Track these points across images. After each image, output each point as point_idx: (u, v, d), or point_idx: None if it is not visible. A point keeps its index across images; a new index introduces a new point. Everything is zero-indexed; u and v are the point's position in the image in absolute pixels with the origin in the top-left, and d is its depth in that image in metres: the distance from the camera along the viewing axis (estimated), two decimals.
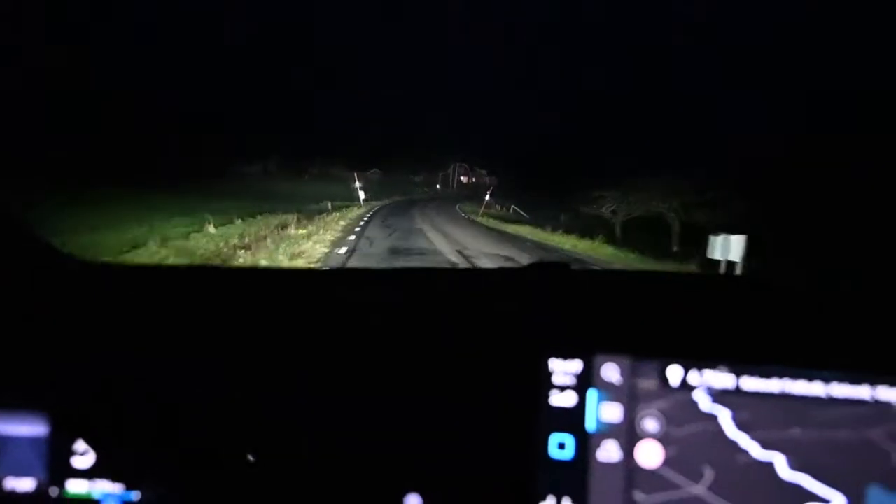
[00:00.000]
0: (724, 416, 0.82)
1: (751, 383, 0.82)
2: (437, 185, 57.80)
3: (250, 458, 0.85)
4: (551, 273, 1.01)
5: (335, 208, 20.07)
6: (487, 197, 35.56)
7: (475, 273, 1.04)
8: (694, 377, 0.83)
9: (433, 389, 0.86)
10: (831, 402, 0.81)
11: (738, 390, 0.82)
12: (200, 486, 0.86)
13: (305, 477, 0.85)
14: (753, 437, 0.81)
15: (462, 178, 65.79)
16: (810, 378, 0.81)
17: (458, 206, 32.32)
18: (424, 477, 0.84)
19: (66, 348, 0.89)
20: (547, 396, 0.85)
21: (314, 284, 1.03)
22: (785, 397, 0.81)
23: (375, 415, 0.85)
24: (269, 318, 0.92)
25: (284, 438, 0.86)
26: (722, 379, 0.83)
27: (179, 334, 0.91)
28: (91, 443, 0.87)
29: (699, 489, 0.81)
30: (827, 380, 0.81)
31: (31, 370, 0.88)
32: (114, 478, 0.87)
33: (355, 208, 22.21)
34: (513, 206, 29.36)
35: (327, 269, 1.87)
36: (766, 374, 0.82)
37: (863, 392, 0.80)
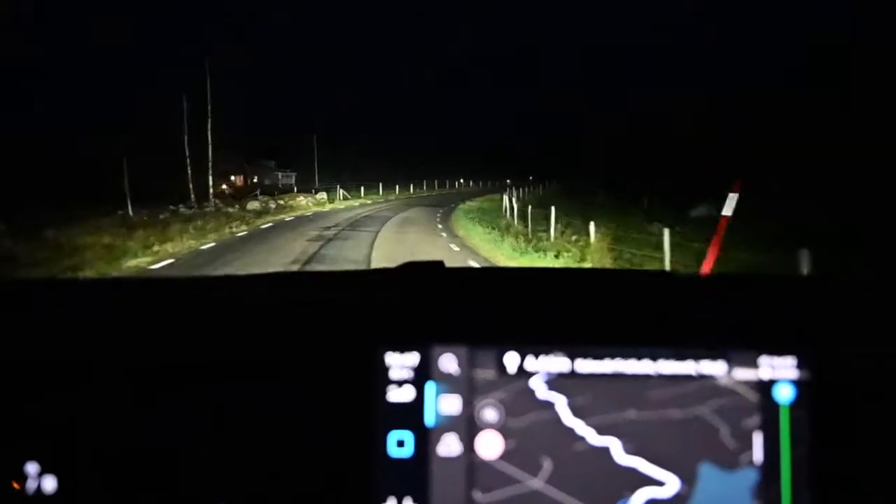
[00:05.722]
0: (561, 403, 0.80)
1: (586, 365, 0.81)
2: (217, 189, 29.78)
3: (38, 473, 0.79)
4: (410, 270, 0.98)
5: None
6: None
7: (335, 276, 1.01)
8: (531, 363, 0.81)
9: (261, 391, 0.80)
10: (662, 380, 0.80)
11: (573, 374, 0.80)
12: None
13: (109, 481, 0.79)
14: (589, 423, 0.80)
15: (232, 177, 41.97)
16: (641, 357, 0.81)
17: None
18: (250, 483, 0.78)
19: None
20: (384, 393, 0.80)
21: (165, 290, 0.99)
22: (618, 378, 0.80)
23: (193, 421, 0.79)
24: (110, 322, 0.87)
25: (96, 453, 0.79)
26: (558, 363, 0.81)
27: None
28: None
29: (537, 483, 0.79)
30: (656, 358, 0.80)
31: None
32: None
33: None
34: None
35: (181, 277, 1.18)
36: (600, 356, 0.81)
37: (689, 368, 0.80)
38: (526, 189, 35.73)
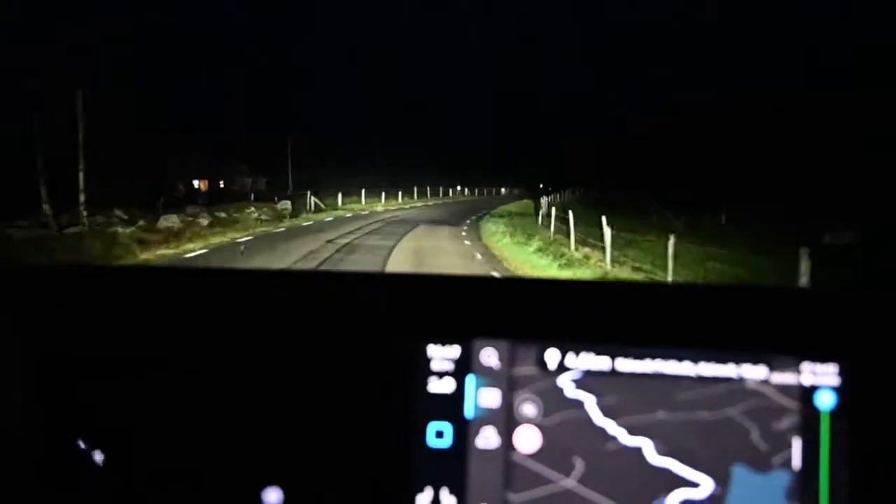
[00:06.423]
0: (590, 402, 0.81)
1: (626, 365, 0.81)
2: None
3: (88, 449, 0.83)
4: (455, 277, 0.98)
5: None
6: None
7: (377, 275, 1.02)
8: (571, 360, 0.81)
9: (306, 380, 0.82)
10: (691, 382, 0.81)
11: (609, 372, 0.81)
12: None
13: (161, 470, 0.82)
14: (620, 423, 0.80)
15: (196, 182, 35.05)
16: (681, 359, 0.81)
17: None
18: (293, 469, 0.81)
19: None
20: (425, 384, 0.82)
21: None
22: (648, 379, 0.81)
23: (241, 407, 0.82)
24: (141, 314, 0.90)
25: (140, 432, 0.83)
26: (598, 362, 0.81)
27: None
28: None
29: (571, 482, 0.79)
30: (697, 360, 0.81)
31: None
32: None
33: None
34: None
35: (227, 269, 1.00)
36: (641, 356, 0.81)
37: (718, 370, 0.81)
38: (544, 199, 27.38)
